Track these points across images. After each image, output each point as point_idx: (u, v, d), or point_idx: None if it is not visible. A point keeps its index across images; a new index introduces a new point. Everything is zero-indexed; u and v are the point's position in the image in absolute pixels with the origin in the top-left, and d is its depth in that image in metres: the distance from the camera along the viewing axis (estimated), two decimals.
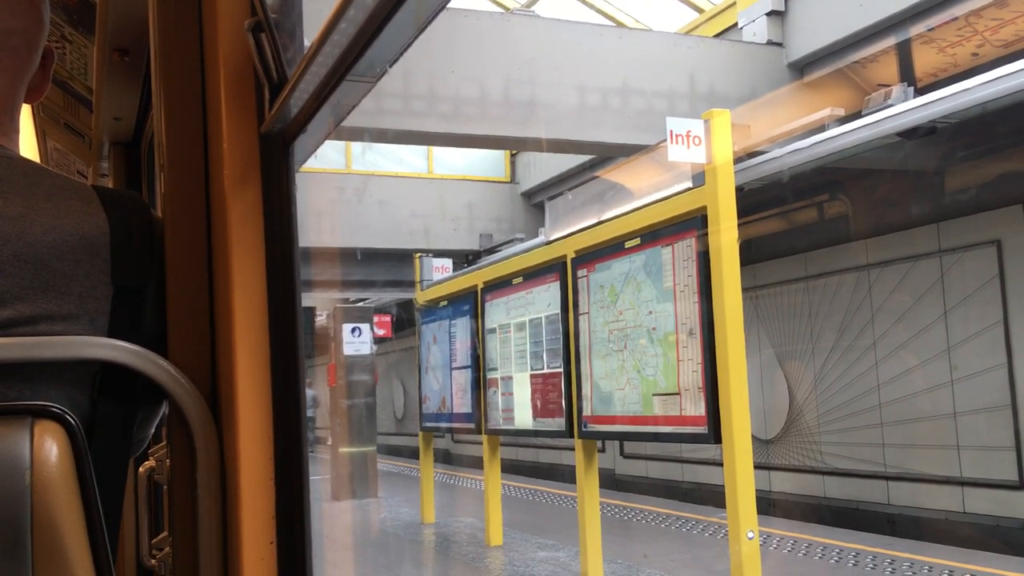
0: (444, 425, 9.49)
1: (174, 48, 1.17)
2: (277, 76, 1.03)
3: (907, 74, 9.12)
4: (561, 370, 7.00)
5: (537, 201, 14.89)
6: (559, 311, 7.07)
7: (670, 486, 12.00)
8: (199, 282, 1.13)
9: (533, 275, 7.54)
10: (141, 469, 1.26)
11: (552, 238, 7.34)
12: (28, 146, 3.32)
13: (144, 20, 1.34)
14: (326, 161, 13.64)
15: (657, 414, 5.77)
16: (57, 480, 0.89)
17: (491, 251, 13.44)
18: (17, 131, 1.15)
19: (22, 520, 0.87)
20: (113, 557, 0.98)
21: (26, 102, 1.19)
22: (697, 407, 5.39)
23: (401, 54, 0.85)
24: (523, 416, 7.64)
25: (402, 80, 7.54)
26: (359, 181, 13.60)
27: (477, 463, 15.82)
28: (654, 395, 5.82)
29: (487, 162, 14.98)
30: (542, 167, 14.36)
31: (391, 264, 14.47)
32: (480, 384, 8.47)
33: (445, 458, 18.46)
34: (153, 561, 1.21)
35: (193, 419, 1.06)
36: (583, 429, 6.65)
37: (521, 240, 12.52)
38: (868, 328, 9.54)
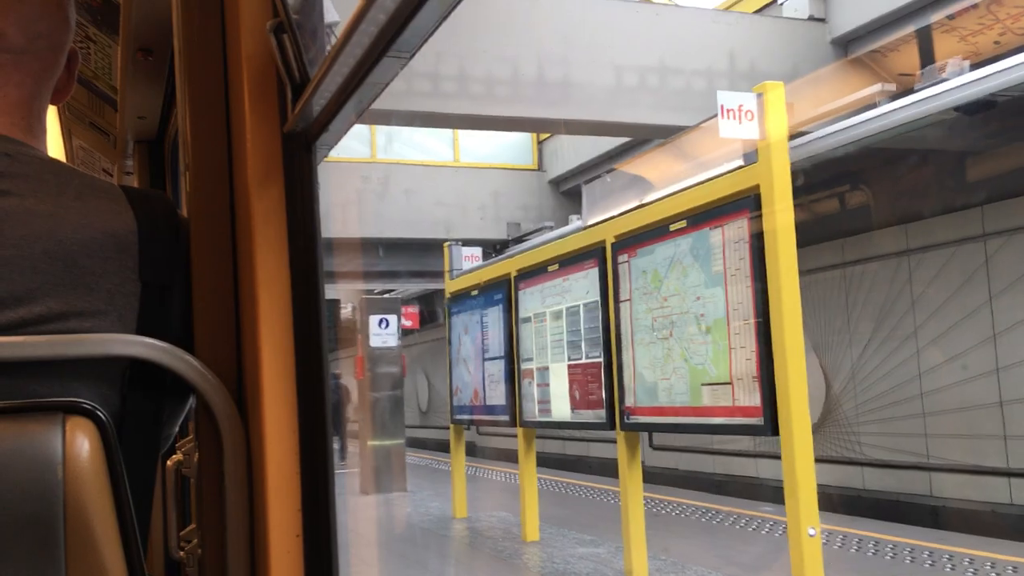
0: (476, 417, 9.25)
1: (197, 48, 1.18)
2: (299, 76, 1.04)
3: (928, 61, 8.87)
4: (601, 360, 6.73)
5: (565, 189, 14.61)
6: (598, 298, 6.80)
7: (701, 478, 11.82)
8: (224, 279, 1.15)
9: (570, 261, 7.27)
10: (169, 463, 1.26)
11: (590, 223, 7.07)
12: (54, 144, 3.16)
13: (167, 20, 1.34)
14: (351, 151, 13.44)
15: (707, 405, 5.51)
16: (89, 475, 0.91)
17: (519, 240, 13.18)
18: (44, 132, 1.16)
19: (55, 514, 0.88)
20: (143, 550, 0.99)
21: (52, 103, 1.20)
22: (752, 397, 5.12)
23: (419, 48, 0.85)
24: (560, 408, 7.38)
25: (433, 61, 7.28)
26: (384, 170, 13.38)
27: (502, 455, 15.68)
28: (703, 385, 5.55)
29: (514, 150, 14.72)
30: (570, 154, 14.07)
31: (415, 255, 14.27)
32: (514, 375, 8.23)
33: (469, 450, 18.14)
34: (181, 553, 1.22)
35: (220, 414, 1.07)
36: (625, 421, 6.40)
37: (551, 228, 12.23)
38: (909, 315, 9.36)
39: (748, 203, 5.16)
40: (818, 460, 10.43)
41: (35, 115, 1.14)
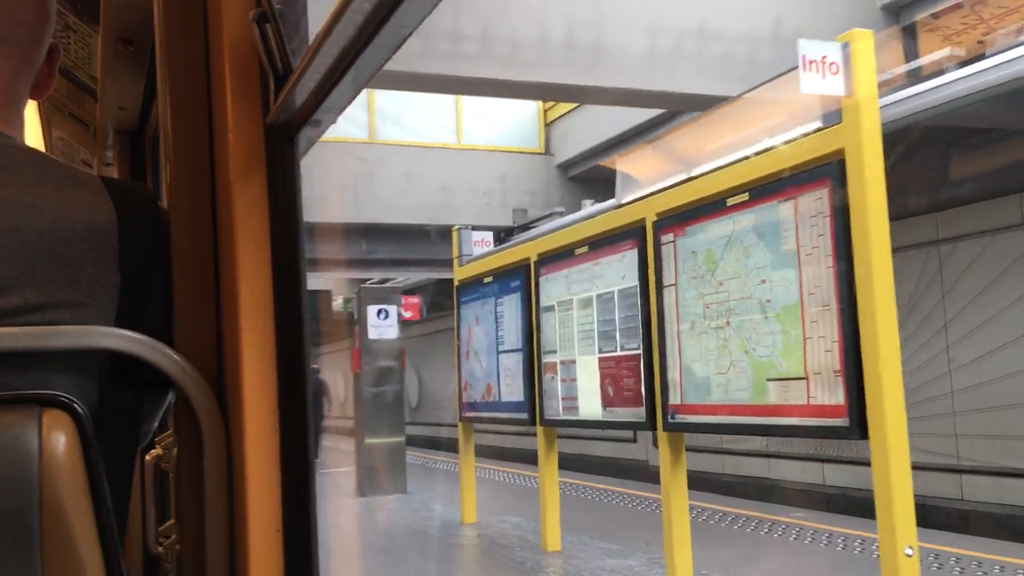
0: (489, 415, 8.55)
1: (178, 38, 1.16)
2: (282, 67, 1.05)
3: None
4: (639, 352, 6.04)
5: (574, 174, 13.92)
6: (637, 283, 6.11)
7: (709, 479, 11.40)
8: (205, 272, 1.13)
9: (602, 243, 6.56)
10: (148, 457, 1.22)
11: (625, 200, 6.39)
12: (33, 135, 3.33)
13: (148, 10, 1.29)
14: (348, 131, 12.75)
15: (774, 403, 4.83)
16: (66, 469, 0.90)
17: (525, 227, 12.50)
18: (22, 123, 1.15)
19: (31, 508, 0.88)
20: (121, 545, 0.98)
21: (32, 98, 1.19)
22: (833, 394, 4.45)
23: (404, 41, 0.83)
24: (589, 405, 6.69)
25: (452, 19, 6.56)
26: (381, 151, 12.68)
27: (496, 453, 15.05)
28: (769, 380, 4.87)
29: (519, 132, 14.01)
30: (581, 136, 13.38)
31: (404, 242, 13.59)
32: (533, 369, 7.53)
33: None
34: (160, 548, 1.18)
35: (199, 408, 1.06)
36: (669, 420, 5.71)
37: (561, 214, 11.54)
38: (938, 309, 8.96)
39: (830, 170, 4.48)
40: (836, 461, 10.03)
41: (13, 105, 1.12)
